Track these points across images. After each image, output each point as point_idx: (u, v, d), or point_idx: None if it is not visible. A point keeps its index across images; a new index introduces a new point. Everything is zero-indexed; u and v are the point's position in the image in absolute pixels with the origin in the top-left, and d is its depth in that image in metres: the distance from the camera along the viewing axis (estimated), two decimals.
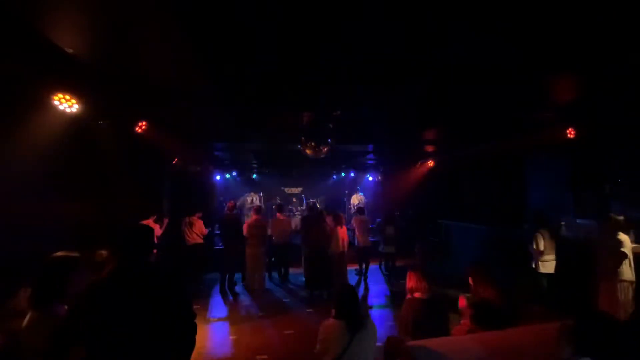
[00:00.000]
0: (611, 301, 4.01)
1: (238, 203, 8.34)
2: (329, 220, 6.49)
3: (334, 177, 12.20)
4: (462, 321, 2.95)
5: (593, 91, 4.39)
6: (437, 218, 8.23)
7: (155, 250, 5.76)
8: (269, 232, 6.77)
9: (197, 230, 6.57)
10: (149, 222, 5.71)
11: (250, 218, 6.46)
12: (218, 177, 10.09)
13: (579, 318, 1.67)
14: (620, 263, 4.01)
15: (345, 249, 6.45)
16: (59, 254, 2.01)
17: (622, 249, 4.01)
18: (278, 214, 7.00)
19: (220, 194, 10.10)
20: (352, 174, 11.83)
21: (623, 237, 4.08)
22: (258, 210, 6.56)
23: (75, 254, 2.04)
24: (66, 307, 1.86)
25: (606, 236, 4.21)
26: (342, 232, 6.47)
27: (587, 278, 4.50)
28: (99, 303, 1.72)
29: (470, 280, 3.06)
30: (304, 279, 6.50)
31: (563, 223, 6.00)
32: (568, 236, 5.71)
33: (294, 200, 11.06)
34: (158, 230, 5.88)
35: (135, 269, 1.83)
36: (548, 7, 2.54)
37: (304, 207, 9.77)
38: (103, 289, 1.77)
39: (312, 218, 6.44)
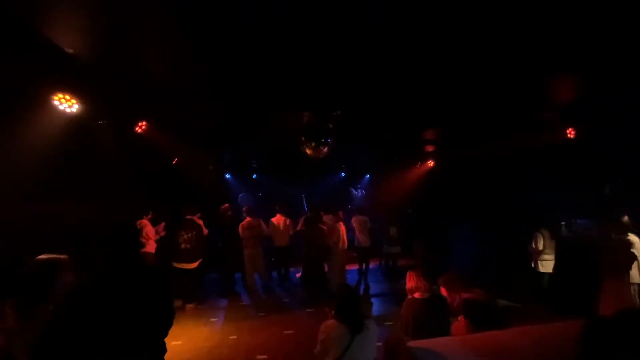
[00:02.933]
0: (616, 302, 3.98)
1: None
2: (327, 219, 6.52)
3: (334, 176, 12.20)
4: (459, 317, 2.97)
5: (593, 91, 4.39)
6: (437, 218, 8.23)
7: (154, 249, 5.78)
8: (268, 233, 6.77)
9: None
10: (144, 221, 5.73)
11: (243, 220, 6.51)
12: (218, 177, 10.07)
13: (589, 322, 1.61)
14: (631, 264, 3.98)
15: (345, 247, 6.48)
16: (43, 256, 1.97)
17: (632, 250, 3.98)
18: (278, 215, 6.92)
19: (220, 194, 10.08)
20: (352, 174, 11.83)
21: (633, 238, 4.04)
22: (249, 211, 6.57)
23: (62, 256, 2.00)
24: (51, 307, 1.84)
25: (614, 237, 4.17)
26: (343, 229, 6.50)
27: (588, 278, 4.48)
28: (85, 299, 1.78)
29: (445, 292, 3.03)
30: (302, 278, 6.54)
31: (563, 223, 6.00)
32: (568, 236, 5.70)
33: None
34: (151, 228, 5.81)
35: (119, 267, 1.90)
36: (548, 7, 2.54)
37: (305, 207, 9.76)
38: (90, 285, 1.84)
39: (312, 218, 6.46)
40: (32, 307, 1.83)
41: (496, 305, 2.88)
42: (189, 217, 5.83)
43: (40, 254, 2.01)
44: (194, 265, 5.57)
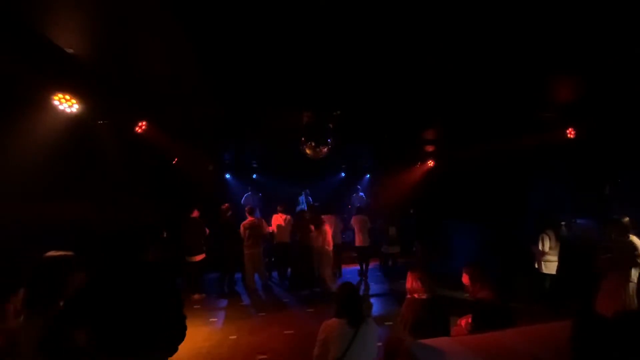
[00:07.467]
0: (616, 303, 3.97)
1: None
2: (326, 219, 6.60)
3: (334, 177, 12.20)
4: (459, 321, 2.97)
5: (593, 91, 4.39)
6: (437, 218, 8.23)
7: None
8: (270, 229, 6.91)
9: None
10: None
11: (245, 220, 6.59)
12: (218, 177, 10.09)
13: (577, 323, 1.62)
14: (632, 267, 3.96)
15: (331, 247, 6.52)
16: (53, 253, 1.97)
17: (636, 252, 3.96)
18: (280, 213, 7.03)
19: (220, 194, 10.08)
20: (352, 174, 11.82)
21: (635, 240, 4.02)
22: (251, 211, 6.67)
23: (70, 253, 2.01)
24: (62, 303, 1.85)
25: (615, 239, 4.15)
26: (329, 230, 6.58)
27: (589, 280, 4.46)
28: (98, 294, 1.80)
29: (466, 280, 3.04)
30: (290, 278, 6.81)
31: (563, 223, 5.99)
32: (569, 237, 5.69)
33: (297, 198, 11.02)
34: None
35: (126, 267, 1.92)
36: (548, 7, 2.54)
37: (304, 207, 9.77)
38: (102, 283, 1.85)
39: (300, 219, 6.67)
40: (41, 303, 1.84)
41: (507, 311, 2.86)
42: (193, 215, 6.37)
43: (41, 254, 2.02)
44: (199, 258, 6.19)
